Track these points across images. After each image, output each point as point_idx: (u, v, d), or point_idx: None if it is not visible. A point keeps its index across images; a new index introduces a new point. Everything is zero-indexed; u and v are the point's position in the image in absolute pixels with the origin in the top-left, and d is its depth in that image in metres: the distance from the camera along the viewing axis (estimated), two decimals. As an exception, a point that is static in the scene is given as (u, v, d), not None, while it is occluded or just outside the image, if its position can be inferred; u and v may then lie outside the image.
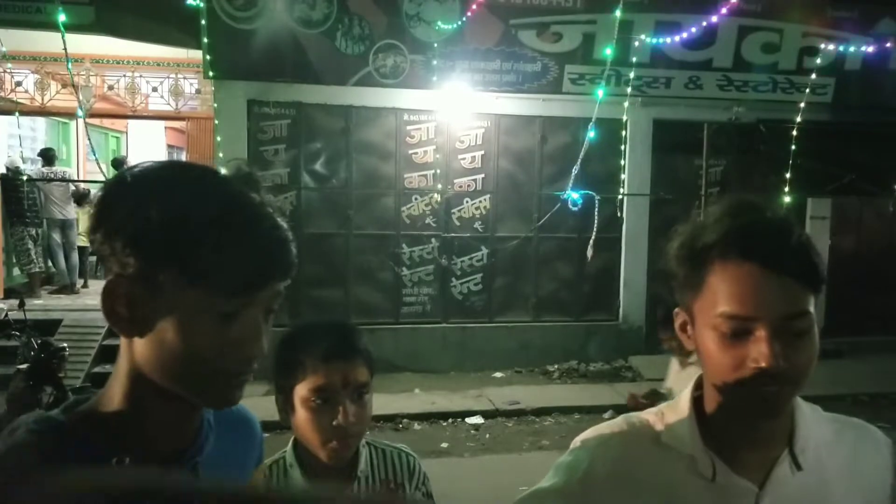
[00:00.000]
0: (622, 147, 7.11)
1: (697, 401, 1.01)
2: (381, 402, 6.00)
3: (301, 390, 1.30)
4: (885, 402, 6.69)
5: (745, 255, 0.88)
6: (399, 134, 7.02)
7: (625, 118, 6.94)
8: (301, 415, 1.31)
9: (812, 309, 0.90)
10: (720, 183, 7.69)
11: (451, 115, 7.04)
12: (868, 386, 7.00)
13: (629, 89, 6.74)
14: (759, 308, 0.87)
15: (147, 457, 0.78)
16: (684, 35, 6.67)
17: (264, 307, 0.81)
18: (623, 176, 7.12)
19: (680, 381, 2.74)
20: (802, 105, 6.84)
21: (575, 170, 6.17)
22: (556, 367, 7.10)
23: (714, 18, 6.43)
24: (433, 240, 7.13)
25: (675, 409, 1.04)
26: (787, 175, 6.68)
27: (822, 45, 7.27)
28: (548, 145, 7.30)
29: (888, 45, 7.27)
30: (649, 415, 1.06)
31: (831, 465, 1.00)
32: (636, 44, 6.75)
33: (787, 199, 6.81)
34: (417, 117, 7.04)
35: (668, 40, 6.85)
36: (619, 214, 7.17)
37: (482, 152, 7.20)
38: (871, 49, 7.24)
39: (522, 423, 5.89)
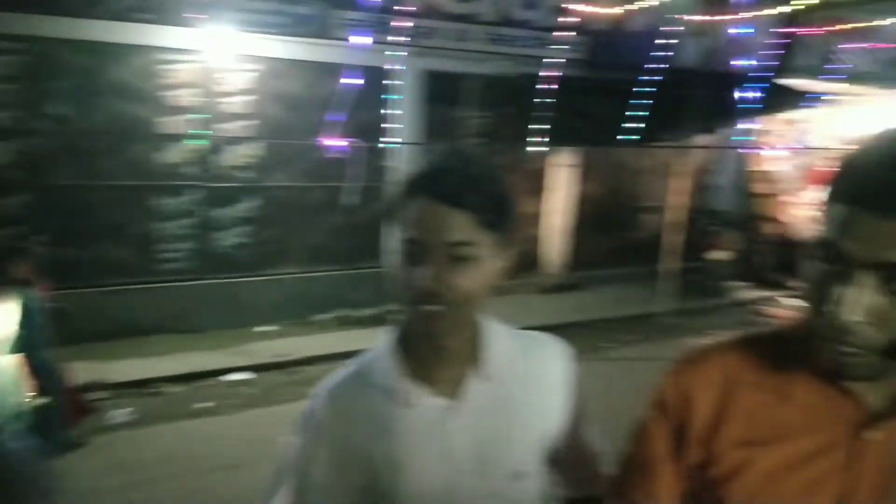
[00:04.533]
0: (392, 96, 7.21)
1: (400, 334, 1.14)
2: (136, 367, 5.77)
3: None
4: (616, 326, 7.69)
5: (422, 191, 1.00)
6: (156, 75, 6.45)
7: (395, 67, 7.01)
8: None
9: (484, 240, 1.00)
10: (487, 134, 8.14)
11: (214, 57, 6.60)
12: (602, 312, 7.99)
13: (399, 38, 6.80)
14: (426, 233, 0.99)
15: None
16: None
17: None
18: (392, 125, 7.24)
19: None
20: (559, 61, 7.38)
21: (343, 118, 6.17)
22: (325, 315, 7.24)
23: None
24: (195, 190, 6.78)
25: (381, 346, 1.15)
26: (545, 126, 7.22)
27: (576, 5, 7.79)
28: (319, 92, 7.13)
29: (633, 6, 8.00)
30: (369, 353, 1.17)
31: (518, 375, 1.13)
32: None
33: (544, 148, 7.41)
34: (176, 57, 6.50)
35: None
36: (387, 163, 7.36)
37: (250, 97, 6.88)
38: (619, 11, 7.93)
39: (291, 374, 6.00)
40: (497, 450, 1.09)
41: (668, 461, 1.01)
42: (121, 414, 5.01)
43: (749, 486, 0.93)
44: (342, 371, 1.16)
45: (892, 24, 8.98)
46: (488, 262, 1.02)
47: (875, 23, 8.94)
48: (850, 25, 8.98)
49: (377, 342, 1.16)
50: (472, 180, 1.00)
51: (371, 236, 7.35)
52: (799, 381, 0.94)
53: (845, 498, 0.90)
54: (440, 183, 0.99)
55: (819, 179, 10.56)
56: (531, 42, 7.92)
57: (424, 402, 1.08)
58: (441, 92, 7.60)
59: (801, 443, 0.92)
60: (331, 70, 6.97)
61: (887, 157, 0.81)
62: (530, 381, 1.14)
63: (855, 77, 9.77)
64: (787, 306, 8.74)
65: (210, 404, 5.36)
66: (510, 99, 7.76)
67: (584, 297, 8.67)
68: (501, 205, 1.03)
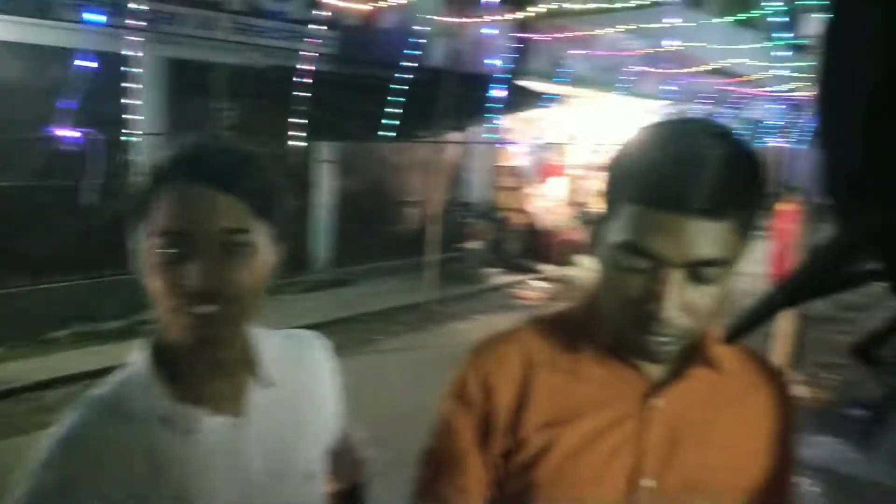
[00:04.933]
0: (132, 85, 6.59)
1: (158, 351, 0.96)
2: None
3: None
4: (384, 317, 7.81)
5: (184, 174, 0.88)
6: None
7: (133, 54, 6.42)
8: None
9: (258, 229, 0.91)
10: (238, 126, 7.78)
11: None
12: (370, 306, 8.09)
13: (137, 23, 6.24)
14: (191, 222, 0.86)
15: None
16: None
17: None
18: (134, 116, 6.63)
19: None
20: (312, 55, 7.29)
21: (75, 107, 5.49)
22: (60, 333, 6.40)
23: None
24: None
25: (134, 368, 0.96)
26: (300, 120, 7.10)
27: (329, -1, 7.78)
28: (44, 79, 6.28)
29: (384, 4, 8.17)
30: (108, 384, 0.96)
31: (293, 376, 1.07)
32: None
33: (301, 143, 7.28)
34: None
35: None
36: (129, 158, 6.71)
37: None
38: (370, 7, 8.02)
39: (21, 402, 5.24)
40: (289, 456, 1.04)
41: (475, 453, 1.00)
42: None
43: (551, 468, 0.94)
44: (91, 399, 0.94)
45: (608, 34, 10.29)
46: (263, 254, 0.93)
47: (594, 32, 10.16)
48: (574, 34, 10.10)
49: (129, 360, 0.98)
50: (241, 163, 0.91)
51: (113, 240, 6.51)
52: (588, 359, 0.98)
53: (636, 467, 0.93)
54: (206, 165, 0.88)
55: (553, 172, 11.82)
56: (282, 34, 7.75)
57: (206, 425, 0.94)
58: (187, 82, 7.15)
59: (596, 419, 0.95)
60: (58, 55, 6.19)
61: (676, 154, 0.80)
62: (305, 380, 1.11)
63: (578, 80, 11.03)
64: (535, 288, 9.60)
65: (-88, 449, 4.47)
66: (262, 91, 7.53)
67: (352, 292, 8.73)
68: (273, 191, 0.95)
